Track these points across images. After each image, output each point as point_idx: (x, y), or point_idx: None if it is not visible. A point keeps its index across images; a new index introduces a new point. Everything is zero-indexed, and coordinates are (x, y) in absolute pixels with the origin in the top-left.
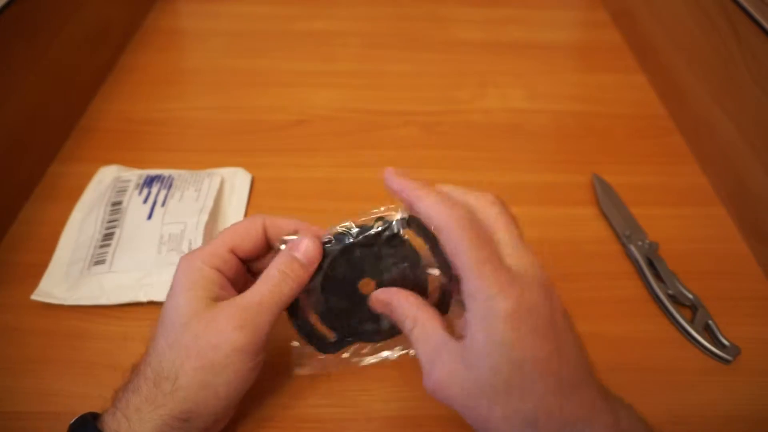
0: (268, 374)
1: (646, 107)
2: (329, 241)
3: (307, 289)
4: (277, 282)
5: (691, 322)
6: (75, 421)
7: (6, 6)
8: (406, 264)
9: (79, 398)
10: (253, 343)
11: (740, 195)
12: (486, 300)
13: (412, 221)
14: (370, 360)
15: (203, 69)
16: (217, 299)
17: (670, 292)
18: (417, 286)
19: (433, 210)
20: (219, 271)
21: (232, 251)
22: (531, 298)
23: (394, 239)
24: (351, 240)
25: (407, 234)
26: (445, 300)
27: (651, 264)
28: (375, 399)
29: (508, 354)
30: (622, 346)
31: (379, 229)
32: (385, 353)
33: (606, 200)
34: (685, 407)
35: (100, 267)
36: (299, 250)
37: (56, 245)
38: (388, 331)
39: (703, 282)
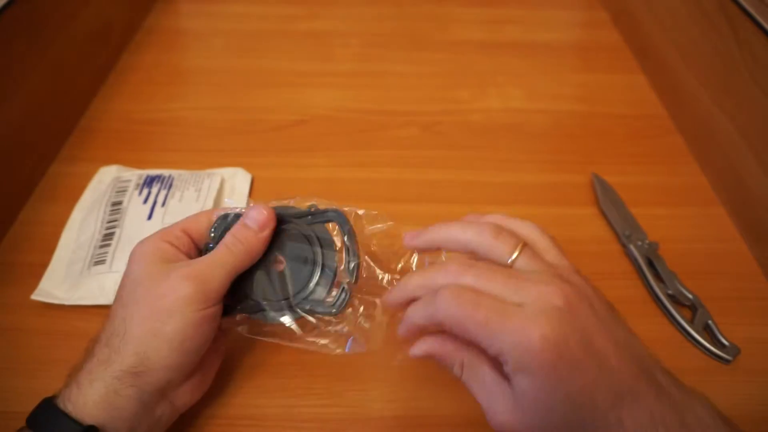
0: (269, 374)
1: (646, 107)
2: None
3: None
4: (227, 245)
5: (690, 322)
6: (33, 412)
7: (7, 6)
8: (318, 248)
9: None
10: (200, 293)
11: (740, 195)
12: (511, 352)
13: (342, 219)
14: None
15: (203, 69)
16: (171, 261)
17: (669, 292)
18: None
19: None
20: (171, 244)
21: (184, 231)
22: (554, 329)
23: (316, 226)
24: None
25: (330, 225)
26: (343, 299)
27: (651, 264)
28: (375, 399)
29: (555, 395)
30: None
31: (308, 212)
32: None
33: (606, 200)
34: None
35: (100, 267)
36: (251, 217)
37: (56, 245)
38: (287, 310)
39: (703, 282)
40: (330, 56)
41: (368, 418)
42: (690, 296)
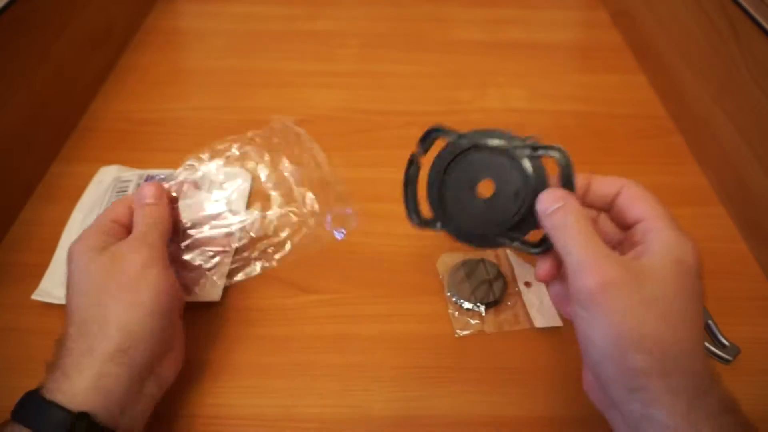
0: (269, 374)
1: (646, 107)
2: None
3: (437, 170)
4: (141, 217)
5: None
6: (16, 407)
7: (7, 6)
8: (531, 185)
9: None
10: (154, 258)
11: (740, 195)
12: (671, 238)
13: (564, 155)
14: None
15: (203, 69)
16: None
17: None
18: (532, 209)
19: (612, 179)
20: (105, 234)
21: (113, 220)
22: (700, 260)
23: (533, 160)
24: (498, 143)
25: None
26: (548, 240)
27: None
28: (375, 399)
29: (693, 291)
30: None
31: (528, 143)
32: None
33: None
34: None
35: None
36: (142, 194)
37: (56, 245)
38: (493, 240)
39: (703, 282)
40: (330, 56)
41: (368, 418)
42: None
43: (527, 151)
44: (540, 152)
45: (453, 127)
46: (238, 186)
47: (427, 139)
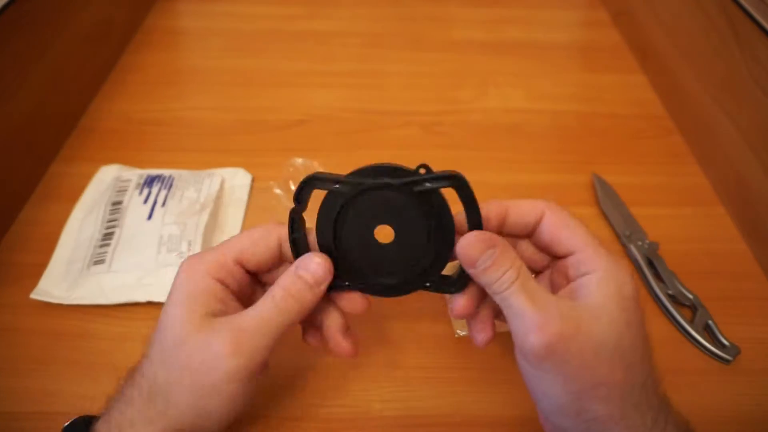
0: (266, 374)
1: (646, 107)
2: (354, 176)
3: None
4: (278, 303)
5: (691, 322)
6: (67, 426)
7: (7, 5)
8: (433, 222)
9: (78, 398)
10: (247, 369)
11: (740, 195)
12: (607, 272)
13: (461, 182)
14: None
15: (203, 69)
16: (217, 314)
17: (670, 292)
18: (440, 248)
19: (530, 203)
20: (222, 282)
21: (239, 262)
22: (636, 286)
23: (429, 193)
24: (383, 181)
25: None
26: (465, 275)
27: (651, 264)
28: (375, 399)
29: (637, 324)
30: None
31: (419, 177)
32: None
33: (606, 200)
34: (685, 407)
35: (99, 267)
36: (307, 269)
37: (56, 245)
38: (404, 287)
39: (703, 282)
40: (330, 56)
41: (368, 418)
42: (690, 296)
43: (424, 185)
44: (435, 184)
45: (331, 171)
46: None
47: (302, 192)
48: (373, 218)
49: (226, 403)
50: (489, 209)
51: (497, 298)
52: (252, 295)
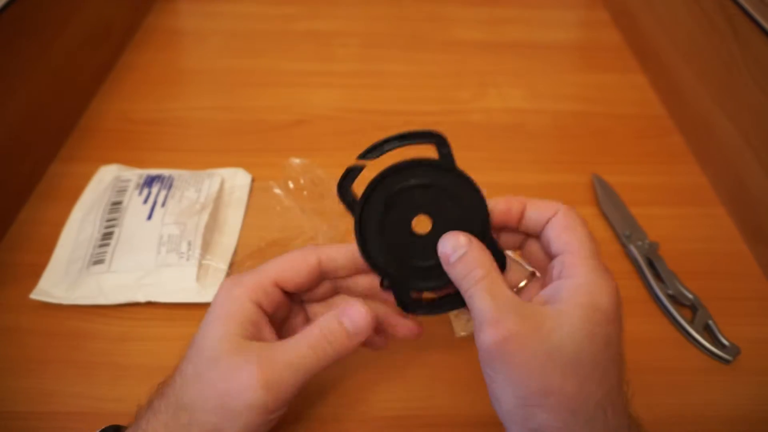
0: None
1: (646, 107)
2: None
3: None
4: (314, 346)
5: (691, 322)
6: None
7: (7, 5)
8: (467, 205)
9: (78, 398)
10: (273, 402)
11: (740, 195)
12: (585, 280)
13: (439, 138)
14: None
15: (203, 69)
16: (251, 338)
17: (669, 292)
18: (473, 227)
19: (548, 203)
20: (259, 305)
21: (277, 284)
22: (618, 302)
23: (459, 178)
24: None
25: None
26: (501, 256)
27: (651, 264)
28: (375, 399)
29: (604, 339)
30: None
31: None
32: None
33: (606, 200)
34: (685, 407)
35: (98, 267)
36: (349, 317)
37: (55, 245)
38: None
39: (703, 282)
40: (330, 56)
41: (368, 418)
42: (690, 296)
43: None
44: (414, 141)
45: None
46: None
47: (348, 177)
48: (413, 209)
49: (244, 430)
50: (510, 204)
51: (465, 296)
52: (288, 317)
